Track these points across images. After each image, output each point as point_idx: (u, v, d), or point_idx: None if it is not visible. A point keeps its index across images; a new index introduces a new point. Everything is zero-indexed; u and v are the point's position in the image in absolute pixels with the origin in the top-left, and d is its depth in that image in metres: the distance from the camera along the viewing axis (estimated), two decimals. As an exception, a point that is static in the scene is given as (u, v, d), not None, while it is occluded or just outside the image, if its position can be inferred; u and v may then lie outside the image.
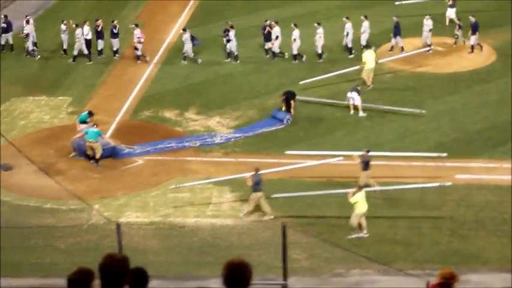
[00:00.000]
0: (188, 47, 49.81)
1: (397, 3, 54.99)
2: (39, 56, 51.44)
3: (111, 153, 40.12)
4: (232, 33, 49.49)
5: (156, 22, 54.23)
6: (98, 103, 45.26)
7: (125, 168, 39.06)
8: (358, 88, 43.27)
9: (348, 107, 43.10)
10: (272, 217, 34.30)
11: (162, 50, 51.78)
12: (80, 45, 50.19)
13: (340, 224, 34.10)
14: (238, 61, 49.94)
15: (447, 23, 53.54)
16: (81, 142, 39.59)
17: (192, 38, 50.03)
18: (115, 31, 50.71)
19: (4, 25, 53.41)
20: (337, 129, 41.96)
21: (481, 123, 41.97)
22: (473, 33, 49.50)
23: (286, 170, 36.93)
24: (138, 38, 49.96)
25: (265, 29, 49.91)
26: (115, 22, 51.12)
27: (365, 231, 33.05)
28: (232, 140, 41.58)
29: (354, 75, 46.67)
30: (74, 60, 50.41)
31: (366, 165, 35.37)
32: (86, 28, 50.72)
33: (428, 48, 50.17)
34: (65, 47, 51.38)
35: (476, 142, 40.29)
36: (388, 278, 30.71)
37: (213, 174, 38.14)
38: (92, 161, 39.43)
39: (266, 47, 50.33)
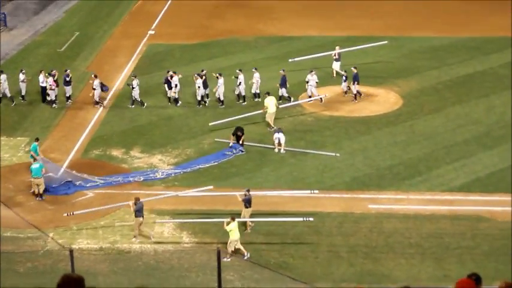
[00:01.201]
0: (136, 92, 49.90)
1: (290, 60, 55.33)
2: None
3: (65, 191, 39.95)
4: (176, 79, 49.64)
5: (104, 72, 54.13)
6: (52, 143, 44.99)
7: (76, 201, 38.81)
8: (282, 129, 43.71)
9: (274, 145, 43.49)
10: (138, 241, 35.08)
11: (109, 96, 51.54)
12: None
13: (267, 248, 34.30)
14: (179, 104, 50.01)
15: (334, 74, 54.34)
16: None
17: (102, 85, 50.19)
18: (67, 79, 50.40)
19: None
20: (264, 166, 42.14)
21: (390, 160, 42.46)
22: (354, 83, 50.17)
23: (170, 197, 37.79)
24: (95, 87, 49.82)
25: (202, 77, 49.95)
26: (68, 71, 50.89)
27: (247, 254, 33.45)
28: (173, 175, 41.50)
29: (257, 119, 47.11)
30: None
31: (247, 202, 35.52)
32: (41, 77, 50.35)
33: (318, 97, 50.21)
34: (23, 93, 50.85)
35: (386, 176, 40.73)
36: (310, 296, 30.96)
37: (155, 206, 38.01)
38: (37, 198, 38.98)
39: (205, 93, 50.29)
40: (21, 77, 50.83)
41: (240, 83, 50.01)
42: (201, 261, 33.23)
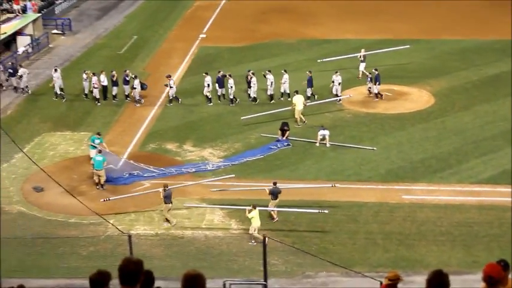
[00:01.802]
0: (172, 91, 50.07)
1: (319, 61, 55.14)
2: (65, 99, 51.36)
3: (123, 181, 40.09)
4: (231, 81, 49.63)
5: (160, 72, 54.18)
6: (113, 137, 45.11)
7: (135, 190, 38.97)
8: (324, 126, 43.58)
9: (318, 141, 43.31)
10: (173, 225, 35.27)
11: (164, 94, 51.65)
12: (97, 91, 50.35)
13: (309, 236, 34.20)
14: (235, 104, 49.87)
15: (360, 75, 53.75)
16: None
17: (141, 84, 50.37)
18: (127, 79, 50.65)
19: (11, 70, 53.59)
20: (306, 159, 41.97)
21: (422, 154, 42.06)
22: (376, 83, 49.79)
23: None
24: (135, 86, 50.08)
25: (247, 78, 50.07)
26: (127, 71, 51.13)
27: (254, 242, 33.43)
28: (222, 167, 41.44)
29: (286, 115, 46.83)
30: (97, 102, 50.42)
31: (273, 194, 35.29)
32: (102, 76, 50.64)
33: (338, 98, 49.76)
34: (86, 92, 51.18)
35: (419, 169, 40.36)
36: (348, 279, 30.77)
37: (206, 195, 38.12)
38: (98, 187, 39.28)
39: (248, 92, 50.37)
40: (84, 76, 51.12)
41: (272, 82, 49.77)
42: (248, 247, 33.21)
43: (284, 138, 43.70)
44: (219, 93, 50.28)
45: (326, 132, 43.13)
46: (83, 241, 34.54)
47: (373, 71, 50.25)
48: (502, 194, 37.72)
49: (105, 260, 30.97)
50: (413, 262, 31.82)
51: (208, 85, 49.95)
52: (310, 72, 50.18)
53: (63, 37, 66.54)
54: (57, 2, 72.80)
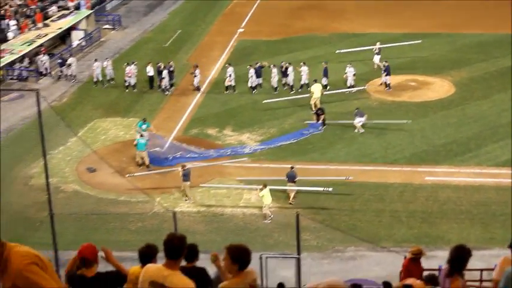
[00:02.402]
0: (231, 79, 49.85)
1: (337, 52, 54.86)
2: (105, 86, 51.93)
3: (168, 162, 40.13)
4: (275, 70, 49.64)
5: (202, 63, 54.05)
6: (158, 123, 45.21)
7: (178, 171, 39.13)
8: (362, 112, 43.38)
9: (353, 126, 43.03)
10: (192, 201, 35.70)
11: (206, 83, 51.69)
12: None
13: (339, 213, 34.16)
14: (277, 92, 49.56)
15: (375, 66, 52.88)
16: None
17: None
18: (171, 69, 50.78)
19: (60, 60, 54.30)
20: (337, 143, 41.81)
21: (444, 139, 41.71)
22: (387, 74, 49.34)
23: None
24: (196, 75, 50.11)
25: (282, 67, 49.92)
26: (171, 63, 51.17)
27: (268, 220, 33.71)
28: (259, 150, 41.46)
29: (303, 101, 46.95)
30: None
31: (290, 178, 35.13)
32: (149, 67, 50.76)
33: (351, 89, 49.01)
34: (133, 82, 51.22)
35: (441, 153, 40.07)
36: (375, 253, 30.75)
37: (244, 176, 38.20)
38: (141, 167, 39.36)
39: (283, 81, 50.19)
40: (133, 67, 51.31)
41: (288, 74, 49.59)
42: (282, 223, 33.20)
43: (319, 122, 43.53)
44: (256, 83, 50.09)
45: (363, 119, 42.78)
46: (131, 217, 34.88)
47: (384, 63, 49.86)
48: (519, 175, 37.39)
49: (152, 234, 31.08)
50: (435, 238, 31.74)
51: (230, 75, 49.83)
52: (326, 63, 50.00)
53: (113, 31, 66.76)
54: (108, 0, 73.19)
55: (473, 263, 25.62)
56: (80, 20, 64.61)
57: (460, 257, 11.26)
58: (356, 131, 42.78)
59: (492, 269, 15.53)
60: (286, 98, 47.53)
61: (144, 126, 41.41)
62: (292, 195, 35.50)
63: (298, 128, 43.86)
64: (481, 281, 21.77)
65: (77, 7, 66.70)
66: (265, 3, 73.75)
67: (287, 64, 49.90)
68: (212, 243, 29.60)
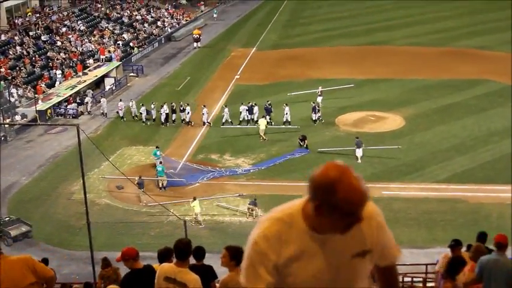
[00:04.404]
0: (227, 117, 49.91)
1: (288, 94, 54.44)
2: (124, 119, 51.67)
3: (178, 184, 40.16)
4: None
5: (206, 103, 53.95)
6: (172, 150, 45.23)
7: (187, 188, 39.18)
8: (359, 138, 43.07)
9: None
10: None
11: (209, 119, 51.66)
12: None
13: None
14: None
15: (318, 106, 50.45)
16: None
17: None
18: (182, 108, 50.83)
19: (79, 101, 55.16)
20: (313, 165, 41.64)
21: (396, 161, 41.75)
22: (316, 112, 48.99)
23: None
24: (204, 113, 50.08)
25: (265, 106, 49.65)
26: (181, 103, 51.22)
27: (201, 225, 34.43)
28: (251, 171, 41.56)
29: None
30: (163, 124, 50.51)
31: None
32: (165, 106, 50.90)
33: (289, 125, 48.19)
34: (154, 117, 51.36)
35: (394, 172, 40.14)
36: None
37: (239, 191, 38.26)
38: (161, 190, 39.36)
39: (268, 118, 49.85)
40: (152, 106, 51.37)
41: (287, 112, 48.77)
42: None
43: (304, 147, 43.57)
44: (248, 118, 50.17)
45: (360, 152, 41.91)
46: (151, 225, 34.82)
47: (312, 103, 49.92)
48: (454, 190, 37.58)
49: (167, 239, 30.78)
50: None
51: (227, 113, 50.01)
52: (268, 102, 49.76)
53: (137, 78, 66.87)
54: (133, 53, 73.53)
55: (420, 258, 25.70)
56: (111, 70, 64.94)
57: (455, 265, 11.10)
58: (359, 161, 41.75)
59: (435, 264, 15.60)
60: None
61: (158, 153, 41.41)
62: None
63: (284, 152, 43.97)
64: (426, 273, 21.77)
65: (109, 59, 67.38)
66: (257, 55, 74.07)
67: (268, 104, 49.60)
68: (214, 245, 29.58)
